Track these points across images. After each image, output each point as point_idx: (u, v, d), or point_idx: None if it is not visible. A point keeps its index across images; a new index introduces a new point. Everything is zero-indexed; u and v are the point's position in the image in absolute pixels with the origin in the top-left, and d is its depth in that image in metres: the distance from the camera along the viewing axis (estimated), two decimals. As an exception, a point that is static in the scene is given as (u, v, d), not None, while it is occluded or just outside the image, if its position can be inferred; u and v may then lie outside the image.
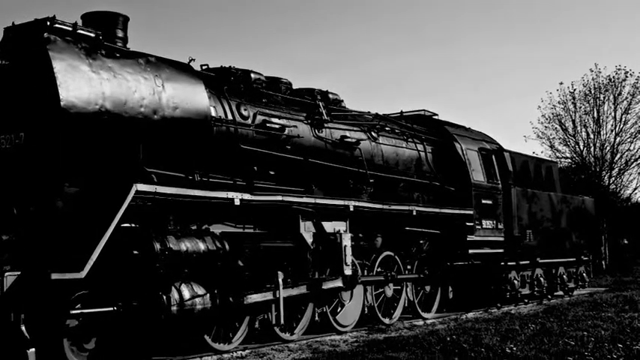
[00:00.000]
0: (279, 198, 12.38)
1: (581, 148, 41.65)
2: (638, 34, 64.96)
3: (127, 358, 9.99)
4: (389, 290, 15.82)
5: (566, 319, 14.96)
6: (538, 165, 23.24)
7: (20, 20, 10.29)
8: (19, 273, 8.69)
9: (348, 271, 13.63)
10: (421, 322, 16.25)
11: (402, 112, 18.78)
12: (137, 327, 9.79)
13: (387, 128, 16.44)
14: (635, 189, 42.76)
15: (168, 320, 9.84)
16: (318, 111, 14.39)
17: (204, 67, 12.87)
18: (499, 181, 19.53)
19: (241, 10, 64.44)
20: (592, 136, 41.30)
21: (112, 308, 9.57)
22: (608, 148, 41.20)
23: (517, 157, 21.57)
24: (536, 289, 21.58)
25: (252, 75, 13.47)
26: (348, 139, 14.87)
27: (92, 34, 10.40)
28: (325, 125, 14.41)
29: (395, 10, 68.62)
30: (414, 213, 15.94)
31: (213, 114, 11.82)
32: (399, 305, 16.18)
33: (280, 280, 12.11)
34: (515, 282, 20.23)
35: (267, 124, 12.94)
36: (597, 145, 41.24)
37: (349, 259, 13.64)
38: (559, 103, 41.83)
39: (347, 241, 13.68)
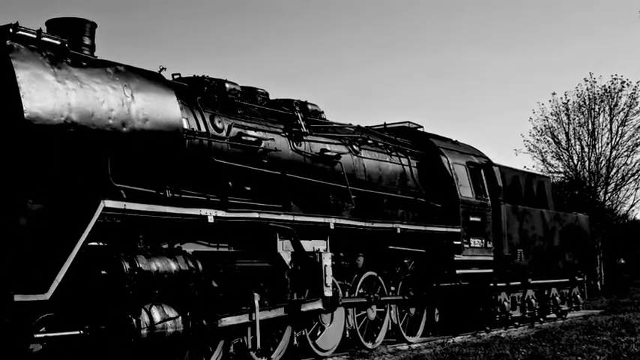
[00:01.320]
0: (256, 215, 12.49)
1: (575, 162, 42.00)
2: (634, 42, 65.58)
3: (94, 385, 10.03)
4: (372, 313, 15.93)
5: (559, 343, 15.11)
6: (529, 180, 23.47)
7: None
8: (-21, 295, 8.73)
9: (328, 293, 13.73)
10: (406, 347, 16.36)
11: (385, 124, 18.94)
12: (105, 351, 9.84)
13: (369, 141, 16.60)
14: (632, 205, 42.97)
15: (138, 344, 9.90)
16: (297, 123, 14.52)
17: (175, 77, 12.94)
18: (488, 197, 19.71)
19: (215, 17, 64.60)
20: (586, 149, 41.66)
21: (78, 332, 9.61)
22: (603, 162, 41.54)
23: (507, 171, 21.77)
24: (527, 311, 21.76)
25: (227, 85, 13.58)
26: (329, 153, 15.01)
27: (57, 42, 10.46)
28: (304, 138, 14.54)
29: (378, 17, 68.96)
30: (398, 231, 16.09)
31: (186, 126, 11.91)
32: (382, 329, 16.29)
33: (256, 302, 12.19)
34: (506, 304, 20.40)
35: (243, 137, 13.05)
36: (592, 159, 41.58)
37: (329, 279, 13.75)
38: (552, 114, 42.19)
39: (327, 260, 13.79)
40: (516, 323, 21.24)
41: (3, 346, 9.03)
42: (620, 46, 66.78)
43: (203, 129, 12.32)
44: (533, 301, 21.99)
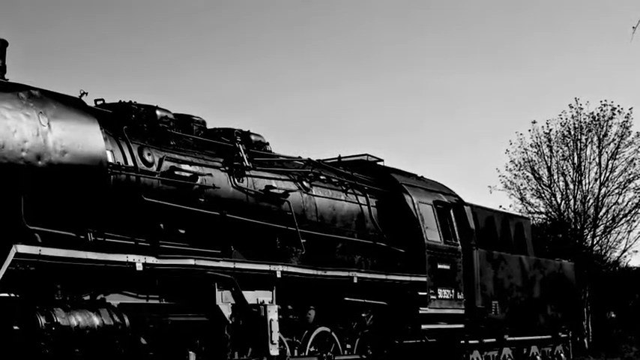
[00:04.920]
0: (191, 262, 12.64)
1: (559, 200, 42.12)
2: (626, 63, 66.59)
3: None
4: (324, 375, 16.05)
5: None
6: (506, 222, 23.75)
7: None
8: None
9: (274, 351, 13.86)
10: (364, 414, 16.46)
11: (340, 158, 19.08)
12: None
13: (321, 177, 16.82)
14: (624, 251, 42.99)
15: (54, 411, 9.99)
16: (238, 156, 14.71)
17: (98, 103, 13.05)
18: (458, 242, 19.94)
19: (142, 34, 64.53)
20: (572, 186, 41.77)
21: (-14, 397, 9.71)
22: (591, 200, 41.61)
23: (480, 212, 22.03)
24: (503, 373, 21.99)
25: (158, 112, 13.71)
26: (275, 190, 15.21)
27: (-37, 63, 10.60)
28: (247, 173, 14.72)
29: (330, 33, 69.35)
30: (355, 280, 16.26)
31: (110, 159, 12.04)
32: (336, 393, 16.40)
33: (192, 362, 12.31)
34: (479, 364, 20.60)
35: (176, 172, 13.21)
36: (578, 197, 41.67)
37: (276, 336, 13.90)
38: (531, 146, 42.19)
39: (273, 314, 13.95)
40: (491, 387, 21.45)
41: None
42: (610, 67, 67.76)
43: (130, 163, 12.46)
44: (510, 360, 22.24)
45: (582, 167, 41.60)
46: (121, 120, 12.89)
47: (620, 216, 41.87)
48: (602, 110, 41.17)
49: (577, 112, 41.37)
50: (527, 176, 42.37)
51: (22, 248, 9.97)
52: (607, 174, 41.50)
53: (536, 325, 23.63)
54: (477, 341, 20.46)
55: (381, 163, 20.07)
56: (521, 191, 42.50)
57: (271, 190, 15.14)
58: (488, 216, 22.71)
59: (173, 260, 12.34)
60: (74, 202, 11.21)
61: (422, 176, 20.87)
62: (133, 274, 11.65)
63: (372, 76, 68.03)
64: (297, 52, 67.20)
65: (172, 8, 63.08)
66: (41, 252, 10.22)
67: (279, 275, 14.33)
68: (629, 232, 42.28)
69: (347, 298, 16.38)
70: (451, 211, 20.07)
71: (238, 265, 13.57)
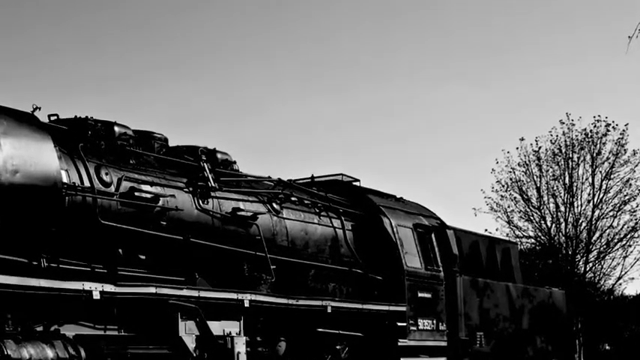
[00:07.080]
0: (152, 290, 12.69)
1: (549, 224, 42.23)
2: (621, 75, 67.00)
3: None
4: (296, 412, 16.09)
5: None
6: (492, 246, 23.86)
7: None
8: None
9: (242, 386, 13.93)
10: None
11: (313, 178, 19.18)
12: None
13: (293, 198, 16.90)
14: (619, 278, 43.13)
15: None
16: (203, 175, 14.78)
17: (52, 118, 13.11)
18: (441, 268, 20.03)
19: (104, 45, 64.42)
20: (563, 208, 41.93)
21: None
22: (583, 224, 41.77)
23: (464, 236, 22.14)
24: (489, 410, 22.07)
25: (116, 128, 13.77)
26: (243, 213, 15.28)
27: None
28: (212, 194, 14.79)
29: (301, 45, 69.44)
30: (329, 310, 16.32)
31: (65, 179, 12.09)
32: None
33: (153, 399, 12.34)
34: (463, 401, 20.66)
35: (136, 193, 13.27)
36: (570, 220, 41.81)
37: (243, 369, 13.96)
38: (519, 165, 42.42)
39: (241, 346, 13.99)
40: None
41: None
42: (604, 80, 68.14)
43: (87, 183, 12.51)
44: (497, 397, 22.34)
45: (574, 188, 41.81)
46: (77, 137, 12.94)
47: (615, 240, 42.02)
48: (595, 126, 41.47)
49: (568, 128, 41.66)
50: (515, 197, 42.55)
51: (-30, 275, 10.01)
52: (601, 195, 41.74)
53: (524, 357, 23.73)
54: (460, 376, 20.55)
55: (357, 184, 20.14)
56: (509, 214, 42.67)
57: (239, 213, 15.21)
58: (472, 240, 22.81)
59: (133, 288, 12.39)
60: (26, 225, 11.25)
61: (401, 197, 20.96)
62: (89, 303, 11.69)
63: (348, 91, 68.10)
64: (265, 65, 67.21)
65: (133, 20, 63.08)
66: (-10, 279, 10.26)
67: (247, 304, 14.37)
68: (625, 257, 42.40)
69: (320, 329, 16.43)
70: (433, 235, 20.16)
71: (203, 294, 13.62)
